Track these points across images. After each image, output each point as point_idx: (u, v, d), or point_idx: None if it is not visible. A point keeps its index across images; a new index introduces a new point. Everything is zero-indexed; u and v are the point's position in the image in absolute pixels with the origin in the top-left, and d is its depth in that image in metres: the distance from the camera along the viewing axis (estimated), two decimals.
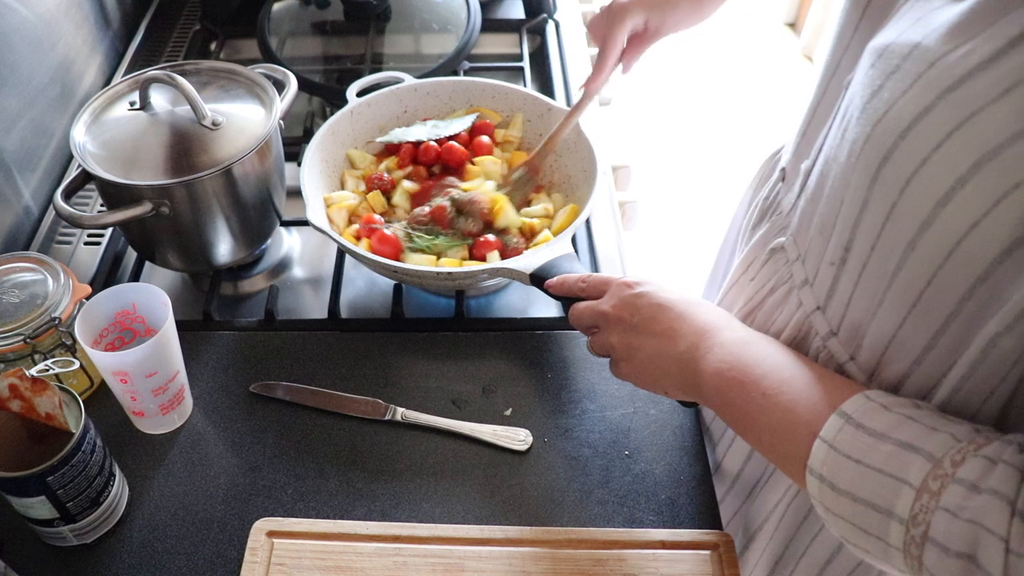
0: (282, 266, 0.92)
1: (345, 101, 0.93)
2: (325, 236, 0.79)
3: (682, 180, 2.51)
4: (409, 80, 0.96)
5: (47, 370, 0.63)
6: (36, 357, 0.69)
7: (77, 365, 0.67)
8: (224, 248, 0.83)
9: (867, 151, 0.48)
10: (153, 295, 0.69)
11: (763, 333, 0.62)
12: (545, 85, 1.14)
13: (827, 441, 0.47)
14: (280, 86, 0.84)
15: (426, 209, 0.84)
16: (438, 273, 0.77)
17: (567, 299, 0.70)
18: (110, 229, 0.93)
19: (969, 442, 0.43)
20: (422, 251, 0.81)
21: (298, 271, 0.92)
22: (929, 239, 0.45)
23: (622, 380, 0.65)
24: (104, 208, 0.86)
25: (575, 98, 1.11)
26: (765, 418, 0.52)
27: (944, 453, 0.43)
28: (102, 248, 0.91)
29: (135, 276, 0.88)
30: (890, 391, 0.52)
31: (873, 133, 0.47)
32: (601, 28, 0.82)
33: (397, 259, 0.80)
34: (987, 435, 0.43)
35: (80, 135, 0.78)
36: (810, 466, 0.48)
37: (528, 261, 0.75)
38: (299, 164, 0.85)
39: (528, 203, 0.88)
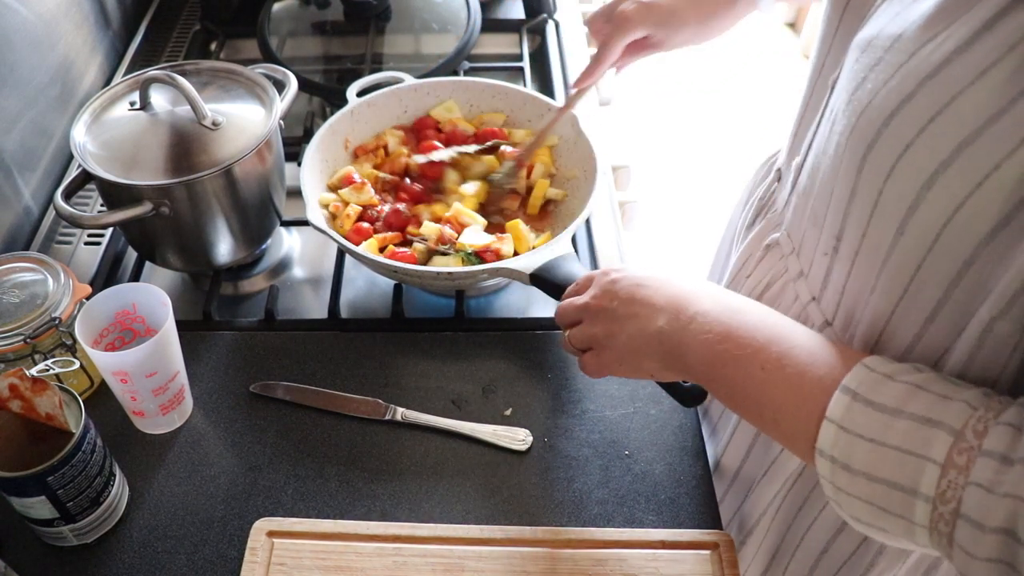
0: (282, 266, 0.92)
1: (345, 101, 0.93)
2: (325, 236, 0.79)
3: (682, 180, 2.51)
4: (409, 80, 0.96)
5: (47, 370, 0.63)
6: (36, 357, 0.69)
7: (77, 365, 0.67)
8: (224, 248, 0.83)
9: (853, 141, 0.49)
10: (153, 295, 0.69)
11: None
12: (545, 85, 1.14)
13: (835, 421, 0.45)
14: (280, 86, 0.84)
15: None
16: (438, 273, 0.77)
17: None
18: (110, 229, 0.93)
19: (986, 409, 0.42)
20: (444, 253, 0.81)
21: (298, 271, 0.92)
22: (916, 223, 0.45)
23: (601, 375, 0.62)
24: (104, 208, 0.86)
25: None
26: (766, 396, 0.50)
27: (964, 423, 0.41)
28: (102, 248, 0.91)
29: (135, 276, 0.88)
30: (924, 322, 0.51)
31: (858, 123, 0.48)
32: (602, 31, 0.81)
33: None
34: (1000, 399, 0.43)
35: (80, 135, 0.78)
36: (819, 448, 0.46)
37: (528, 261, 0.75)
38: (299, 164, 0.85)
39: (502, 201, 0.88)
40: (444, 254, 0.80)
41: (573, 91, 0.86)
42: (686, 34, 0.79)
